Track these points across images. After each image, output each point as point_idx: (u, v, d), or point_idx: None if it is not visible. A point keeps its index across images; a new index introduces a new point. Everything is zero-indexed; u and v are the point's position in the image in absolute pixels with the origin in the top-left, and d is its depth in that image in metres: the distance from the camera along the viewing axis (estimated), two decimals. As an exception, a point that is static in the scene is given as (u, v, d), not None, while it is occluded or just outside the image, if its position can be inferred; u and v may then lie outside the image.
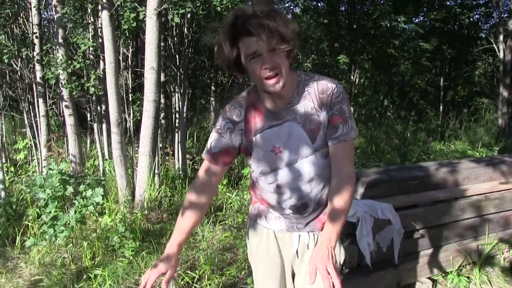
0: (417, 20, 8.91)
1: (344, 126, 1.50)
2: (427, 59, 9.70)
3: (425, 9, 8.93)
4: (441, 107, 10.25)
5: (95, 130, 6.49)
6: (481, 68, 13.65)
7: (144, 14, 4.32)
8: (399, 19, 7.54)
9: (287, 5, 10.58)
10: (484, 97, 10.89)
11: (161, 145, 6.63)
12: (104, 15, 4.12)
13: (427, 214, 2.92)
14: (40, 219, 3.64)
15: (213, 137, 1.59)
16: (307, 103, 1.50)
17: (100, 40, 5.30)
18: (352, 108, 8.66)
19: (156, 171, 5.09)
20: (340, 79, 9.31)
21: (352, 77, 8.75)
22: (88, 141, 8.01)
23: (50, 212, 3.26)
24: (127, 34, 5.11)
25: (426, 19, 9.15)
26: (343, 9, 9.44)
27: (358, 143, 8.47)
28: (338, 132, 1.50)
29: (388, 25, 7.72)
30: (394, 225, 2.68)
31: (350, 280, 2.64)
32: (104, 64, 4.85)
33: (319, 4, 9.24)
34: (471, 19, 10.69)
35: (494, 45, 8.96)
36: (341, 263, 1.75)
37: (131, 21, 4.28)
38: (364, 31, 8.34)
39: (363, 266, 2.67)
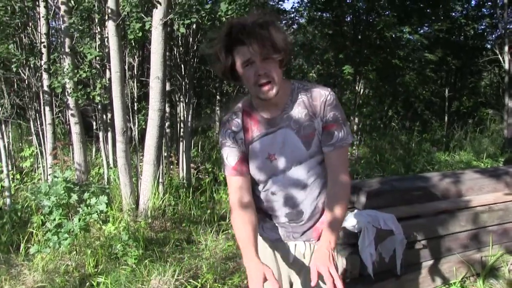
0: (421, 31, 8.93)
1: (340, 132, 1.53)
2: (432, 70, 9.70)
3: (430, 20, 8.96)
4: (446, 118, 10.23)
5: (101, 139, 6.54)
6: (487, 79, 13.63)
7: (150, 24, 4.38)
8: (404, 30, 7.57)
9: (292, 15, 10.70)
10: (490, 107, 10.87)
11: (166, 154, 6.66)
12: (110, 25, 4.18)
13: (430, 225, 2.92)
14: (44, 227, 3.66)
15: (225, 152, 1.60)
16: (301, 110, 1.53)
17: (107, 50, 5.36)
18: (356, 119, 8.69)
19: (160, 180, 5.11)
20: (345, 89, 9.34)
21: (357, 88, 8.77)
22: (94, 150, 8.06)
23: (55, 219, 3.28)
24: (133, 44, 5.17)
25: (430, 30, 9.18)
26: (348, 19, 9.47)
27: (363, 153, 8.47)
28: (334, 139, 1.53)
29: (393, 36, 7.74)
30: (397, 236, 2.67)
31: (352, 291, 2.63)
32: (110, 73, 4.91)
33: (324, 15, 9.30)
34: (477, 30, 10.71)
35: (500, 56, 8.96)
36: (338, 272, 1.74)
37: (137, 31, 4.34)
38: (369, 42, 8.37)
39: (365, 276, 2.66)
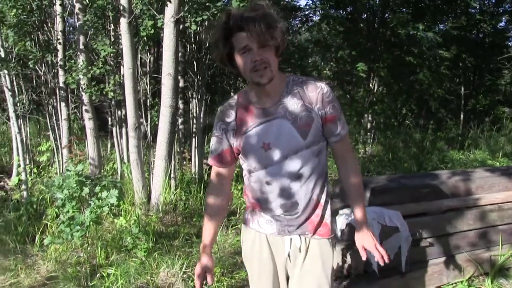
0: (436, 28, 8.80)
1: (340, 122, 1.62)
2: (446, 68, 9.55)
3: (446, 17, 8.82)
4: (461, 116, 10.08)
5: (114, 134, 6.65)
6: (508, 76, 13.35)
7: (162, 21, 4.43)
8: (418, 27, 7.48)
9: (306, 13, 10.66)
10: (508, 106, 10.66)
11: (179, 150, 6.75)
12: (123, 23, 4.25)
13: (437, 223, 2.90)
14: (58, 219, 3.76)
15: (212, 141, 1.70)
16: (297, 101, 1.58)
17: (121, 47, 5.45)
18: (370, 116, 8.64)
19: (172, 175, 5.18)
20: (359, 87, 9.28)
21: (370, 85, 8.71)
22: (109, 145, 8.20)
23: (68, 211, 3.36)
24: (146, 41, 5.25)
25: (445, 27, 9.05)
26: (363, 17, 9.40)
27: (376, 152, 8.42)
28: (338, 129, 1.62)
29: (407, 33, 7.66)
30: (402, 233, 2.67)
31: (357, 287, 2.64)
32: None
33: (338, 12, 9.24)
34: (496, 27, 10.48)
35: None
36: (334, 267, 1.77)
37: (149, 29, 4.41)
38: (382, 39, 8.30)
39: (370, 273, 2.67)
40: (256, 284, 1.82)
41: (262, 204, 1.69)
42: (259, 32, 1.43)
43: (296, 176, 1.60)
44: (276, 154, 1.59)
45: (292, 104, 1.57)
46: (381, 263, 1.57)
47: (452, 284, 3.01)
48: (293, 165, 1.59)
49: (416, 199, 2.93)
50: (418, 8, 8.38)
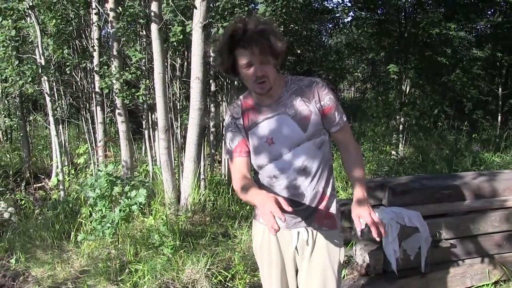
0: (469, 27, 8.53)
1: (337, 112, 1.72)
2: (481, 68, 9.26)
3: (479, 14, 8.52)
4: (499, 117, 9.73)
5: (146, 137, 6.88)
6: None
7: (190, 27, 4.58)
8: (449, 26, 7.31)
9: (337, 15, 10.61)
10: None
11: (210, 152, 6.89)
12: (153, 29, 4.42)
13: (459, 224, 2.87)
14: (91, 217, 3.97)
15: (228, 136, 1.80)
16: (295, 97, 1.70)
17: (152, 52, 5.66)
18: (401, 118, 8.50)
19: (202, 176, 5.31)
20: (390, 88, 9.16)
21: (402, 87, 8.57)
22: (143, 147, 8.47)
23: (100, 210, 3.55)
24: (175, 46, 5.41)
25: (478, 26, 8.77)
26: (394, 18, 9.27)
27: (408, 154, 8.27)
28: (337, 118, 1.72)
29: (439, 32, 7.49)
30: (422, 233, 2.67)
31: (375, 286, 2.66)
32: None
33: (368, 14, 9.15)
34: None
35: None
36: (341, 262, 1.80)
37: (178, 34, 4.56)
38: (414, 40, 8.16)
39: (389, 272, 2.68)
40: (266, 277, 1.89)
41: None
42: (261, 52, 1.56)
43: (301, 169, 1.70)
44: (280, 148, 1.70)
45: (291, 100, 1.70)
46: (377, 237, 1.53)
47: (477, 287, 2.96)
48: (297, 158, 1.69)
49: (437, 200, 2.91)
50: (450, 7, 8.18)
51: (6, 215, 4.37)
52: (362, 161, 1.81)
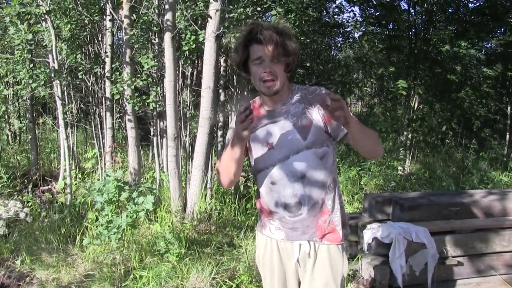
0: (480, 45, 8.54)
1: None
2: (490, 86, 9.24)
3: (490, 33, 8.53)
4: (507, 136, 9.68)
5: (155, 144, 6.91)
6: None
7: (203, 36, 4.63)
8: (460, 43, 7.33)
9: (348, 29, 10.67)
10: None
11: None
12: (166, 37, 4.48)
13: (467, 241, 2.85)
14: (97, 222, 3.98)
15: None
16: (299, 105, 1.72)
17: (164, 60, 5.71)
18: (409, 134, 8.48)
19: (208, 185, 5.32)
20: (398, 104, 9.15)
21: (411, 103, 8.57)
22: (150, 154, 8.50)
23: (107, 215, 3.55)
24: (187, 54, 5.46)
25: (489, 44, 8.78)
26: (405, 34, 9.30)
27: (415, 170, 8.23)
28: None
29: (449, 50, 7.51)
30: (429, 250, 2.65)
31: (381, 301, 2.64)
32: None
33: (379, 29, 9.19)
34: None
35: None
36: (344, 275, 1.78)
37: (191, 43, 4.61)
38: (424, 56, 8.18)
39: (395, 287, 2.66)
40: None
41: (270, 208, 1.77)
42: (274, 49, 1.60)
43: (299, 176, 1.69)
44: (279, 153, 1.71)
45: (295, 107, 1.72)
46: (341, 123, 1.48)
47: (483, 306, 2.93)
48: (296, 165, 1.69)
49: (445, 217, 2.91)
50: (461, 25, 8.20)
51: (22, 215, 4.42)
52: (378, 138, 1.74)
